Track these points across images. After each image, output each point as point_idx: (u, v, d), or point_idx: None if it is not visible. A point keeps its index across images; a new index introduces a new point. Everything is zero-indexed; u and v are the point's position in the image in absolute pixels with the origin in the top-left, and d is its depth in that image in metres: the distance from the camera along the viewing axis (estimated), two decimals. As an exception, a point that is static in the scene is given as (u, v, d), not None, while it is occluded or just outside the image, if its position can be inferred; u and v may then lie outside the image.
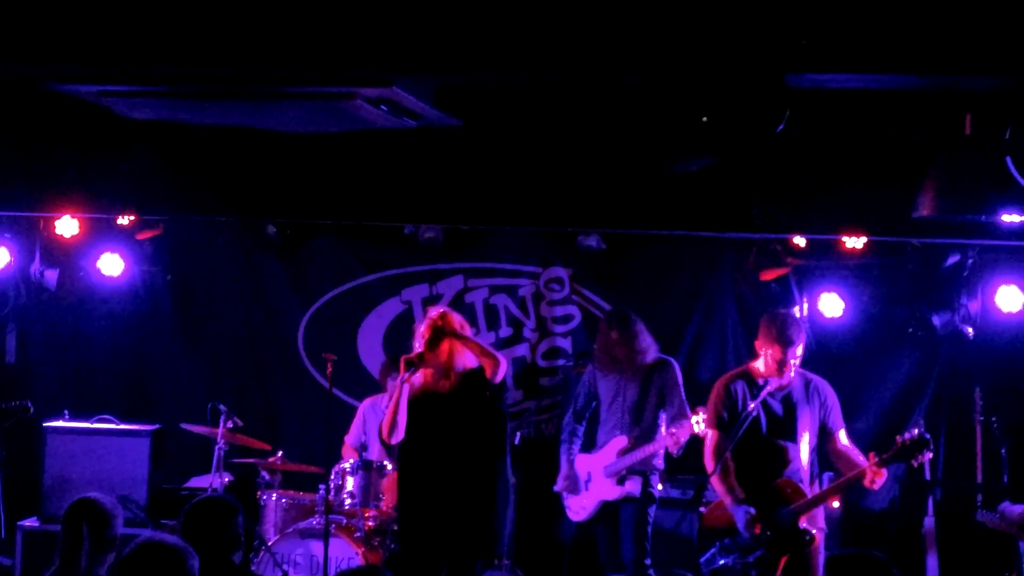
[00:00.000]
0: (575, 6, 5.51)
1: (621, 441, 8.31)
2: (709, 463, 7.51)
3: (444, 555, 7.49)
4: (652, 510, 8.31)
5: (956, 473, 9.19)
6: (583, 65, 5.64)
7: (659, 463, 8.35)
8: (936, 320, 9.27)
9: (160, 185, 8.31)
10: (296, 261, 10.42)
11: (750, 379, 7.58)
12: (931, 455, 7.52)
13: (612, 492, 8.33)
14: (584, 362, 9.11)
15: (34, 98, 6.75)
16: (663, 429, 8.21)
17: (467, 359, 7.61)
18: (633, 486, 8.28)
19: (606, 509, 8.39)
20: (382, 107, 6.20)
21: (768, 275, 9.54)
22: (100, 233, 9.93)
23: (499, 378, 7.52)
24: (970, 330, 9.29)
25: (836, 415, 7.63)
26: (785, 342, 7.43)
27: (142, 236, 10.06)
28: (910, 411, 9.57)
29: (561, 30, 5.57)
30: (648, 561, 8.20)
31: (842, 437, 7.59)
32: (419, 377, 7.60)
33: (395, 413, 7.52)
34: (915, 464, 7.44)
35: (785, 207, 8.02)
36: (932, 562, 8.78)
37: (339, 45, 5.71)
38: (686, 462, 8.43)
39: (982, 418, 9.00)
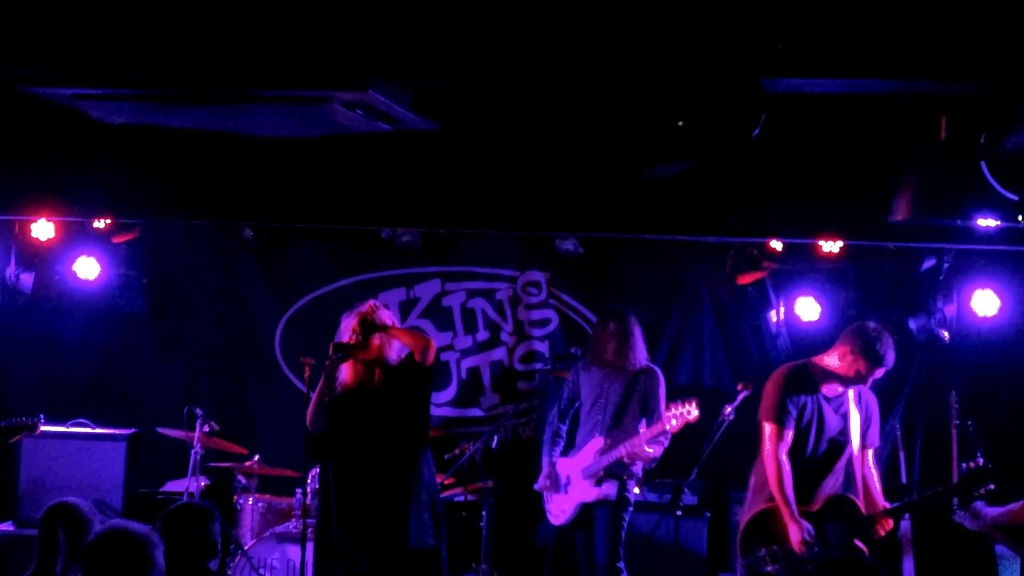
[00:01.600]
0: (550, 9, 5.51)
1: (598, 442, 8.32)
2: (770, 460, 7.37)
3: (361, 550, 7.23)
4: (627, 514, 8.31)
5: (932, 477, 9.21)
6: (559, 68, 5.64)
7: (637, 469, 8.35)
8: (912, 324, 9.30)
9: (136, 188, 8.26)
10: (273, 265, 10.41)
11: (810, 376, 7.47)
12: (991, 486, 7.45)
13: (590, 493, 8.34)
14: (562, 366, 9.13)
15: (7, 101, 6.71)
16: (642, 439, 8.19)
17: (395, 352, 7.50)
18: (610, 488, 8.29)
19: (584, 512, 8.39)
20: (358, 111, 6.19)
21: (745, 279, 9.57)
22: (76, 236, 9.91)
23: (429, 360, 7.33)
24: (946, 334, 9.32)
25: (875, 431, 7.56)
26: (875, 358, 7.33)
27: (118, 239, 10.04)
28: (886, 415, 9.58)
29: (537, 33, 5.57)
30: (621, 565, 8.21)
31: (870, 456, 7.53)
32: (347, 371, 7.44)
33: (319, 400, 7.34)
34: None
35: (761, 211, 8.02)
36: (908, 565, 8.80)
37: (314, 49, 5.69)
38: (664, 466, 8.45)
39: (958, 422, 9.01)
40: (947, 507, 8.61)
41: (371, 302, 7.61)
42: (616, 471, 8.26)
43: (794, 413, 7.36)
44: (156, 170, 8.03)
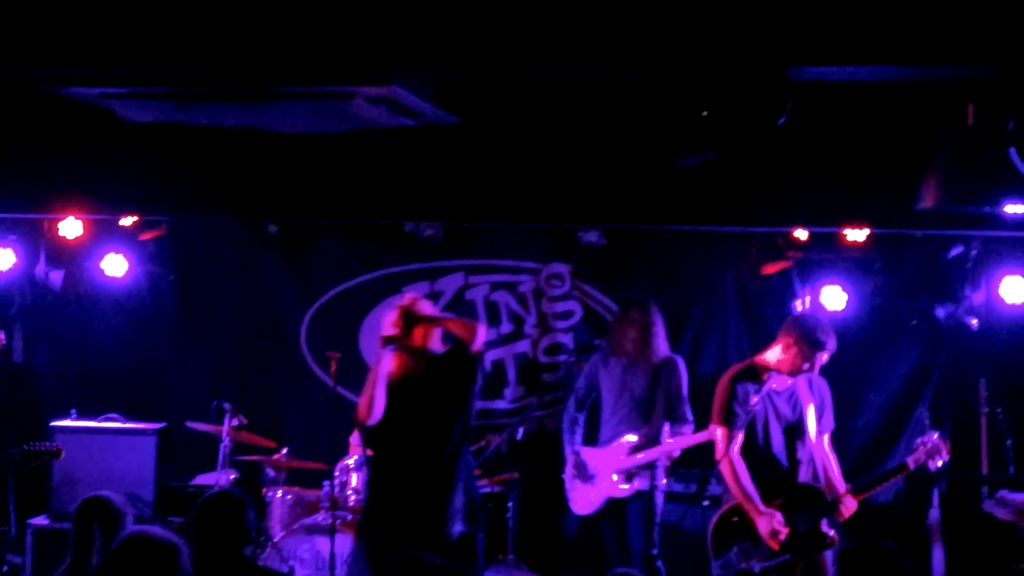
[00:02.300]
0: (574, 1, 5.52)
1: (630, 439, 8.30)
2: (725, 462, 7.44)
3: (407, 537, 7.28)
4: (660, 501, 8.30)
5: (961, 465, 9.19)
6: (583, 60, 5.64)
7: (664, 461, 8.36)
8: (940, 312, 9.27)
9: (162, 186, 8.32)
10: (298, 260, 10.44)
11: (756, 374, 7.55)
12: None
13: (621, 491, 8.33)
14: (586, 357, 9.13)
15: (37, 101, 6.76)
16: (666, 434, 8.20)
17: (440, 342, 7.47)
18: (642, 482, 8.28)
19: (613, 503, 8.40)
20: (381, 106, 6.21)
21: (770, 269, 9.54)
22: (104, 234, 9.96)
23: (478, 345, 7.32)
24: (974, 321, 9.29)
25: (828, 416, 7.63)
26: (816, 345, 7.39)
27: (145, 237, 10.09)
28: (914, 404, 9.58)
29: (560, 25, 5.57)
30: (655, 551, 8.20)
31: (825, 440, 7.60)
32: (394, 363, 7.39)
33: (373, 393, 7.31)
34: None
35: (786, 200, 8.02)
36: (938, 554, 8.79)
37: (338, 45, 5.71)
38: (689, 456, 8.45)
39: (987, 409, 9.01)
40: (976, 495, 8.63)
41: (410, 294, 7.63)
42: (646, 465, 8.26)
43: (742, 415, 7.41)
44: (182, 168, 8.08)
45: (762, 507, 7.30)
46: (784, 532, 7.26)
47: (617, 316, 8.75)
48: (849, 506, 7.36)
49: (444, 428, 7.31)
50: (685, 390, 8.41)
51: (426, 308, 7.45)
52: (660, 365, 8.46)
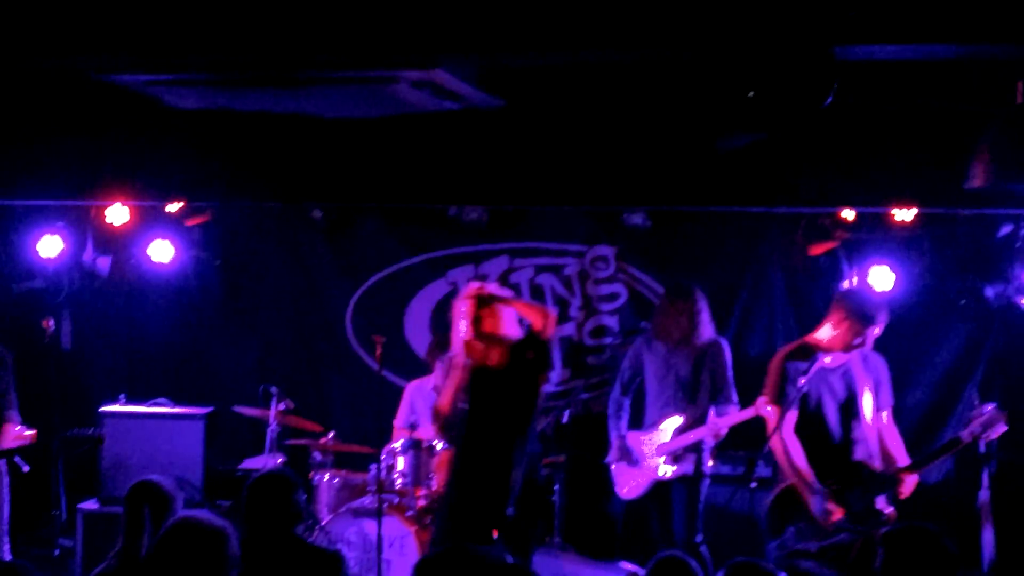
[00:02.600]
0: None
1: (676, 421, 8.29)
2: (776, 442, 7.40)
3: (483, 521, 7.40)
4: (704, 487, 8.28)
5: (1011, 446, 9.11)
6: (627, 42, 5.62)
7: (710, 441, 8.33)
8: (989, 292, 9.18)
9: (208, 172, 8.36)
10: (342, 244, 10.47)
11: (808, 352, 7.48)
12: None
13: (666, 472, 8.31)
14: (631, 340, 9.10)
15: (84, 89, 6.80)
16: (726, 423, 8.16)
17: (512, 327, 7.56)
18: (686, 465, 8.25)
19: (658, 487, 8.38)
20: (425, 90, 6.21)
21: (817, 249, 9.47)
22: (150, 220, 10.01)
23: (549, 332, 7.43)
24: (1024, 301, 9.21)
25: (885, 393, 7.56)
26: (867, 320, 7.34)
27: (191, 222, 10.13)
28: (963, 384, 9.51)
29: (605, 6, 5.55)
30: (699, 538, 8.18)
31: (884, 417, 7.53)
32: (470, 352, 7.48)
33: (456, 389, 7.48)
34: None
35: (833, 180, 7.96)
36: (988, 536, 8.71)
37: (381, 29, 5.72)
38: (736, 437, 8.41)
39: (1038, 388, 8.93)
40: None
41: (475, 284, 7.63)
42: (692, 448, 8.24)
43: (793, 394, 7.34)
44: (227, 154, 8.12)
45: (816, 486, 7.26)
46: (839, 511, 7.21)
47: (663, 304, 8.70)
48: (908, 483, 7.29)
49: (514, 414, 7.40)
50: (730, 372, 8.38)
51: (496, 293, 7.49)
52: (705, 347, 8.42)
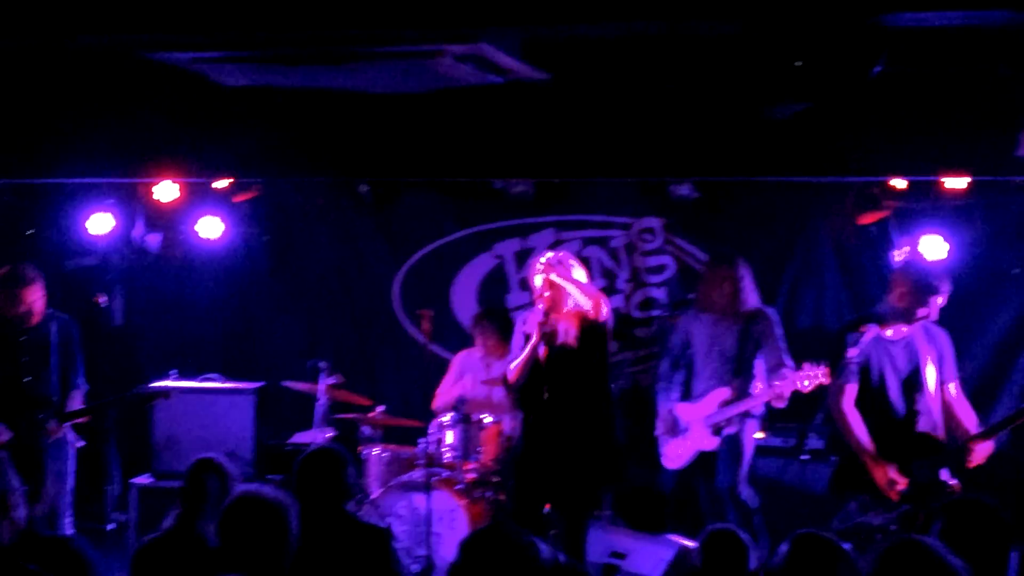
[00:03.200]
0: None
1: (723, 392, 8.26)
2: (838, 415, 7.39)
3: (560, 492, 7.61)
4: (748, 443, 8.23)
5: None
6: (674, 12, 5.58)
7: (757, 410, 8.30)
8: (1042, 259, 9.11)
9: (255, 149, 8.37)
10: (389, 219, 10.50)
11: (871, 326, 7.43)
12: None
13: (711, 442, 8.30)
14: (680, 312, 9.08)
15: (132, 67, 6.82)
16: (761, 382, 8.14)
17: (578, 307, 7.60)
18: (730, 431, 8.24)
19: (703, 458, 8.37)
20: (470, 63, 6.20)
21: (867, 219, 9.40)
22: (198, 197, 10.08)
23: (601, 316, 7.50)
24: (1077, 269, 9.12)
25: (949, 365, 7.48)
26: (929, 290, 7.30)
27: (239, 199, 10.18)
28: (1017, 352, 9.42)
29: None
30: (742, 488, 8.15)
31: (952, 389, 7.46)
32: (541, 327, 7.57)
33: (526, 361, 7.55)
34: None
35: (883, 149, 7.89)
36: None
37: (426, 3, 5.70)
38: (787, 409, 8.37)
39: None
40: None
41: (544, 258, 7.63)
42: (737, 419, 8.22)
43: (854, 367, 7.30)
44: (273, 130, 8.13)
45: (877, 458, 7.22)
46: (903, 483, 7.17)
47: (705, 272, 8.68)
48: (979, 451, 7.22)
49: (580, 390, 7.53)
50: (779, 338, 8.32)
51: (564, 268, 7.55)
52: (749, 318, 8.38)
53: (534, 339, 7.52)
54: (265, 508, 4.53)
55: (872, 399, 7.35)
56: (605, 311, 7.53)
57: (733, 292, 8.38)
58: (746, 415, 8.24)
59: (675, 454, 8.52)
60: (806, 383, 7.77)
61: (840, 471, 7.47)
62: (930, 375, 7.35)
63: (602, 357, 7.61)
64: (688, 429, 8.42)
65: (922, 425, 7.35)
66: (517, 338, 7.73)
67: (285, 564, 4.54)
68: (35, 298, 8.35)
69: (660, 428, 8.60)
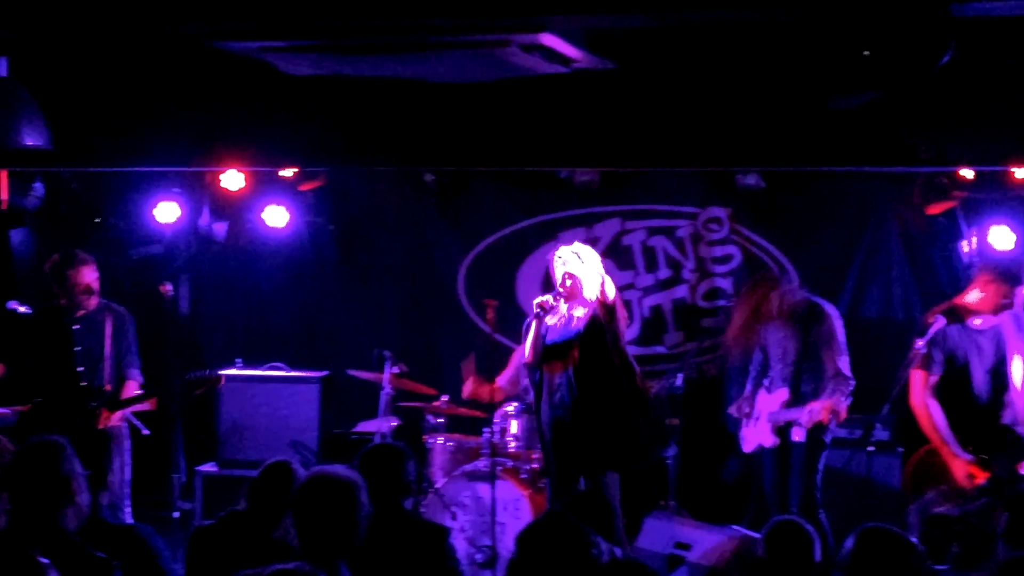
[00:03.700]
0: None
1: (783, 394, 8.16)
2: (917, 405, 7.34)
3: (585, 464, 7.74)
4: (822, 457, 8.13)
5: None
6: (740, 2, 5.55)
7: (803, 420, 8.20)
8: (1112, 251, 8.96)
9: (321, 138, 8.42)
10: (454, 208, 10.51)
11: (956, 315, 7.38)
12: None
13: (768, 439, 8.20)
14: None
15: (201, 56, 6.88)
16: (827, 392, 8.01)
17: (589, 291, 7.70)
18: (798, 436, 8.11)
19: (777, 451, 8.24)
20: (535, 53, 6.20)
21: (934, 209, 9.31)
22: (265, 186, 10.13)
23: (608, 298, 7.60)
24: None
25: None
26: (1014, 279, 7.24)
27: (305, 188, 10.24)
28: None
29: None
30: (818, 501, 8.06)
31: None
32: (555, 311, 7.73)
33: (534, 341, 7.70)
34: None
35: (951, 139, 7.81)
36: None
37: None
38: (854, 401, 8.28)
39: None
40: None
41: (562, 251, 7.70)
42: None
43: (939, 358, 7.23)
44: (340, 119, 8.17)
45: (958, 450, 7.16)
46: (981, 476, 7.10)
47: (747, 299, 8.52)
48: None
49: (594, 370, 7.65)
50: (840, 341, 8.16)
51: (576, 264, 7.62)
52: (808, 315, 8.22)
53: (534, 321, 7.67)
54: (336, 486, 4.65)
55: (956, 389, 7.30)
56: (612, 297, 7.63)
57: (776, 309, 8.23)
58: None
59: (747, 438, 8.43)
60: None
61: (918, 462, 7.41)
62: (1016, 367, 7.27)
63: (613, 339, 7.68)
64: (759, 419, 8.33)
65: (1006, 418, 7.29)
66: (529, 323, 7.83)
67: (356, 543, 4.66)
68: (89, 280, 8.34)
69: (739, 409, 8.45)
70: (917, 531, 7.16)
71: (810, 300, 8.27)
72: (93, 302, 8.40)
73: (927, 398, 7.27)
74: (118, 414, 8.34)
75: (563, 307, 7.69)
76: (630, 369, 7.78)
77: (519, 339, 9.74)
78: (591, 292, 7.60)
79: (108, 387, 8.35)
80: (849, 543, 4.52)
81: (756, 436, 8.38)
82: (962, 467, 7.13)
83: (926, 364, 7.34)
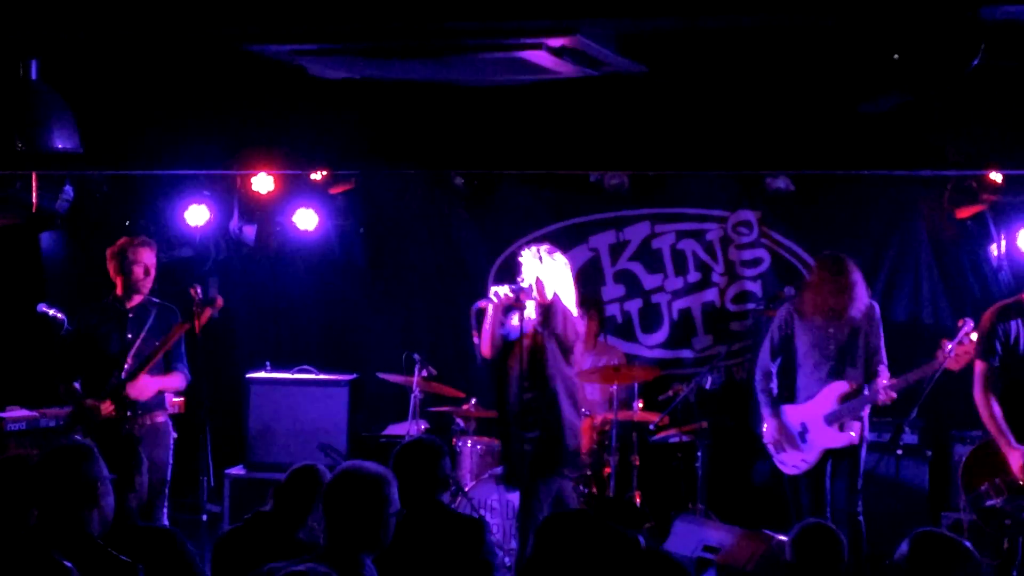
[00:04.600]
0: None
1: (841, 387, 8.04)
2: (979, 398, 7.33)
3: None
4: (864, 457, 8.10)
5: None
6: (768, 5, 5.55)
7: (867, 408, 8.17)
8: None
9: (351, 141, 8.45)
10: (484, 211, 10.53)
11: (1022, 310, 7.38)
12: None
13: (837, 439, 8.05)
14: (775, 305, 8.94)
15: (231, 60, 6.90)
16: (881, 380, 7.98)
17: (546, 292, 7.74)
18: (854, 432, 8.05)
19: (825, 458, 8.19)
20: (566, 56, 6.21)
21: (964, 212, 9.28)
22: (294, 189, 10.17)
23: (542, 298, 7.64)
24: None
25: None
26: None
27: (335, 191, 10.27)
28: None
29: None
30: (860, 507, 8.00)
31: None
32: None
33: (492, 335, 7.77)
34: None
35: (980, 143, 7.79)
36: None
37: (523, -5, 5.72)
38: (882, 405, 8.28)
39: None
40: None
41: (528, 254, 7.80)
42: (857, 416, 8.06)
43: (1000, 350, 7.24)
44: (370, 123, 8.20)
45: (1015, 443, 7.16)
46: None
47: (816, 279, 8.37)
48: None
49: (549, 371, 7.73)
50: (882, 336, 8.18)
51: (541, 269, 7.71)
52: (863, 313, 8.21)
53: (490, 312, 7.74)
54: (367, 482, 4.68)
55: (1018, 381, 7.29)
56: (542, 293, 7.66)
57: (848, 299, 8.15)
58: (862, 418, 8.09)
59: (798, 460, 8.21)
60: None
61: (975, 453, 7.40)
62: None
63: (555, 348, 7.70)
64: (807, 431, 8.18)
65: None
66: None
67: (386, 539, 4.68)
68: (148, 261, 8.32)
69: (772, 437, 8.34)
70: (967, 524, 7.17)
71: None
72: (147, 285, 8.36)
73: (985, 388, 7.28)
74: (144, 382, 8.19)
75: (530, 307, 7.73)
76: (567, 383, 7.79)
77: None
78: (546, 295, 7.65)
79: (129, 361, 8.28)
80: (904, 548, 4.48)
81: (813, 451, 8.18)
82: (1017, 459, 7.12)
83: (986, 354, 7.33)
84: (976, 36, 5.24)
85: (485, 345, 7.80)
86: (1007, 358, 7.31)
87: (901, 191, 9.61)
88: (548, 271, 7.67)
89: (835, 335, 8.13)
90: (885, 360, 8.09)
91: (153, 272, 8.33)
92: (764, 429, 8.34)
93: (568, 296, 7.70)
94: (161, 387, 8.28)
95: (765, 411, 8.32)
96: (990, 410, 7.26)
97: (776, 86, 7.30)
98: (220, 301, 8.28)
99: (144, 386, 8.12)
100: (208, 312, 8.12)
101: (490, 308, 7.72)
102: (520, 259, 7.77)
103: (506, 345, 7.79)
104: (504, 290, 7.62)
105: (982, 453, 7.35)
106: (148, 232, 10.30)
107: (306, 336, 10.78)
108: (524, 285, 7.64)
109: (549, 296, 7.60)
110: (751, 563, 6.91)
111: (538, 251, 7.73)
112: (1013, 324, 7.33)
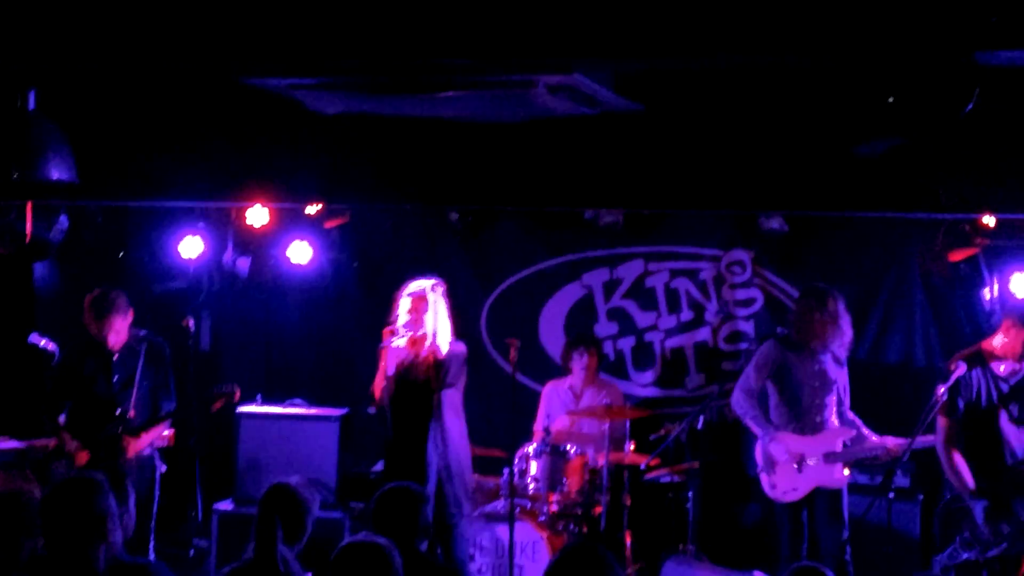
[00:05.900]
0: (756, -13, 5.46)
1: (847, 432, 8.05)
2: (942, 452, 7.37)
3: None
4: (845, 497, 8.10)
5: None
6: (765, 47, 5.57)
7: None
8: None
9: (346, 175, 8.45)
10: (478, 247, 10.53)
11: (983, 360, 7.39)
12: None
13: (832, 480, 8.07)
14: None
15: (229, 93, 6.92)
16: (887, 440, 7.98)
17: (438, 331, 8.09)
18: (847, 474, 8.06)
19: (815, 495, 8.18)
20: (562, 94, 6.22)
21: (957, 256, 9.31)
22: (289, 222, 10.18)
23: (441, 354, 8.05)
24: None
25: None
26: None
27: (329, 224, 10.28)
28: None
29: (742, 12, 5.51)
30: (848, 553, 7.99)
31: None
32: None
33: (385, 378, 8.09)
34: None
35: (974, 186, 7.81)
36: None
37: (519, 34, 5.73)
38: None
39: None
40: None
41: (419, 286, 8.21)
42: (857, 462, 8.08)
43: (962, 406, 7.30)
44: (365, 157, 8.20)
45: (973, 494, 7.16)
46: (1004, 522, 7.08)
47: (801, 309, 8.42)
48: None
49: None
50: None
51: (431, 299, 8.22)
52: (846, 347, 8.22)
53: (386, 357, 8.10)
54: (376, 555, 4.73)
55: (980, 434, 7.29)
56: (447, 349, 8.06)
57: (834, 331, 8.17)
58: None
59: (789, 487, 8.21)
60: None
61: (946, 507, 7.42)
62: None
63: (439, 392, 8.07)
64: (804, 462, 8.15)
65: None
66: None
67: None
68: (119, 328, 8.39)
69: (763, 454, 8.31)
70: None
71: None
72: (123, 337, 8.42)
73: (947, 443, 7.30)
74: (144, 439, 8.33)
75: (401, 342, 8.03)
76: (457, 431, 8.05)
77: (541, 379, 9.78)
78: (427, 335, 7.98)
79: (132, 413, 8.32)
80: None
81: (806, 483, 8.14)
82: (981, 513, 7.12)
83: (949, 412, 7.34)
84: (971, 80, 5.27)
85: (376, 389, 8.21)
86: (969, 413, 7.32)
87: (894, 233, 9.63)
88: (435, 312, 8.04)
89: (828, 372, 8.16)
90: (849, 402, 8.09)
91: (129, 319, 8.41)
92: (758, 448, 8.32)
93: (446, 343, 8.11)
94: (153, 439, 8.35)
95: (758, 430, 8.30)
96: (952, 464, 7.31)
97: (771, 127, 7.32)
98: (238, 395, 8.45)
99: (142, 443, 8.21)
100: (222, 402, 8.32)
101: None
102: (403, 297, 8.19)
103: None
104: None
105: (952, 506, 7.37)
106: (142, 263, 10.33)
107: (298, 369, 10.75)
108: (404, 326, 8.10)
109: (444, 349, 7.99)
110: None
111: (413, 292, 8.21)
112: (974, 375, 7.36)
